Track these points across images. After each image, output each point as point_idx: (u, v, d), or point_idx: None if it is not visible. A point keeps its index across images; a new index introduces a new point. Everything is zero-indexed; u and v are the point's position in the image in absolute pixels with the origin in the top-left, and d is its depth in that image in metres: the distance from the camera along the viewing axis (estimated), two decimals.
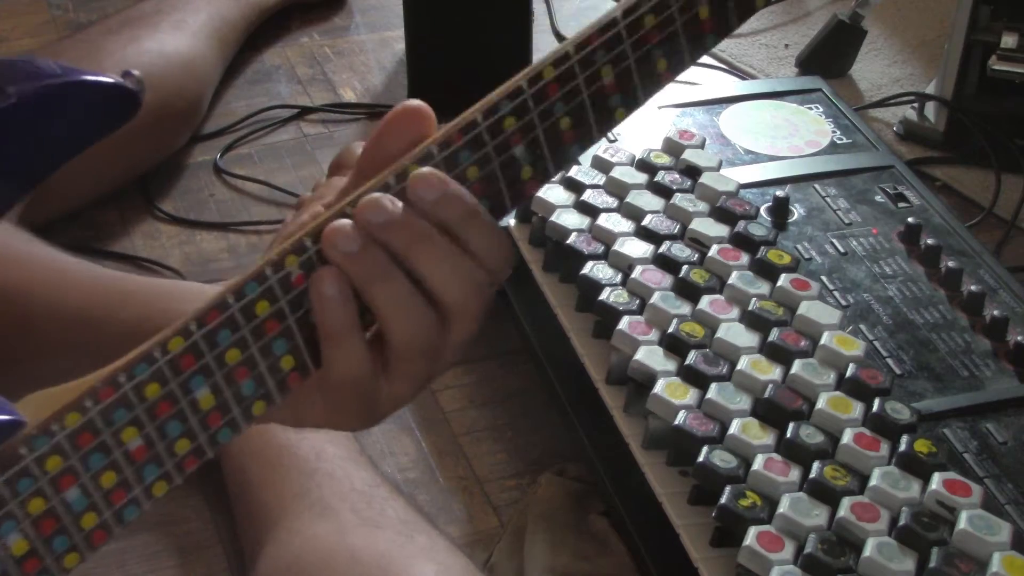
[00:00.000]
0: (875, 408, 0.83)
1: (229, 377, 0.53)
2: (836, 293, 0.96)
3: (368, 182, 0.55)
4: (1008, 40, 1.28)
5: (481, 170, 0.55)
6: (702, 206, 1.00)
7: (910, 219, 1.03)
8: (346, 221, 0.53)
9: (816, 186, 1.07)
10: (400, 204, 0.53)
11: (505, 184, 0.56)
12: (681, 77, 0.58)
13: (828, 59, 1.47)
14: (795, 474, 0.79)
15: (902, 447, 0.80)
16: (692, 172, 1.04)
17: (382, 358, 0.56)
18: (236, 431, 0.54)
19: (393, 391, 0.57)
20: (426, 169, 0.54)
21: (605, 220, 0.98)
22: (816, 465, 0.79)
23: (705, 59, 1.51)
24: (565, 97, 0.56)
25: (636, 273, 0.93)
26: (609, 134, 1.13)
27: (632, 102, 0.57)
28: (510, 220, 1.05)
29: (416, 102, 0.56)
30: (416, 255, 0.54)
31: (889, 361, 0.91)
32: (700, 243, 0.96)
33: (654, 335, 0.89)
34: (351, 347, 0.54)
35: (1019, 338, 0.91)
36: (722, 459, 0.79)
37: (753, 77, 1.48)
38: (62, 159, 0.57)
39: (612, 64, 0.56)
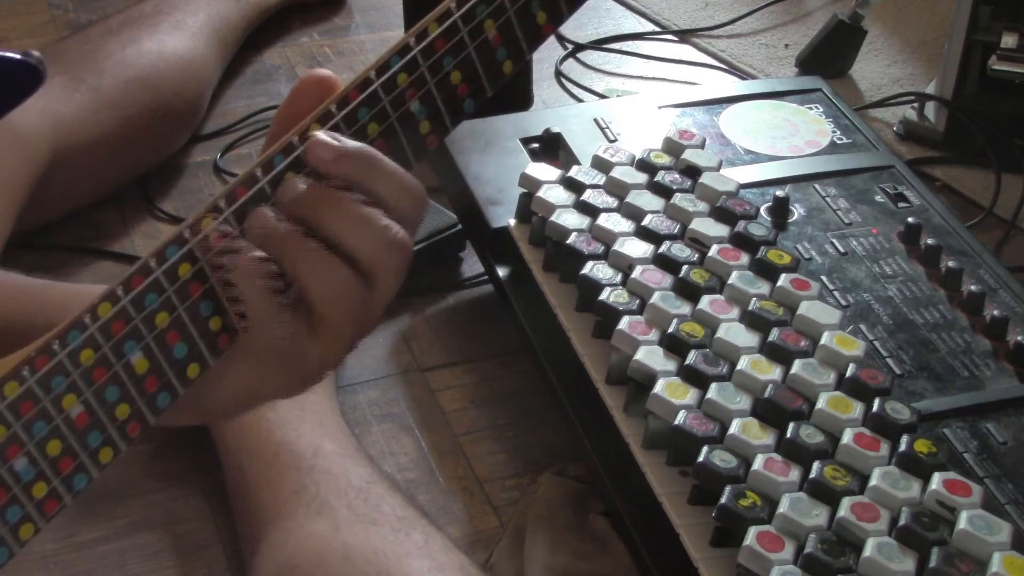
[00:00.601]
0: (875, 408, 0.83)
1: (161, 340, 0.55)
2: (836, 293, 0.96)
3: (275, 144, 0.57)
4: (1008, 40, 1.28)
5: (380, 125, 0.58)
6: (702, 206, 1.00)
7: (910, 219, 1.03)
8: (265, 207, 0.56)
9: (816, 186, 1.07)
10: (305, 184, 0.56)
11: (405, 139, 0.59)
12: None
13: (828, 59, 1.47)
14: (795, 474, 0.79)
15: (902, 447, 0.80)
16: (692, 172, 1.04)
17: (307, 321, 0.57)
18: (174, 395, 0.56)
19: (322, 353, 0.58)
20: (321, 133, 0.56)
21: (605, 220, 0.98)
22: (816, 465, 0.79)
23: (705, 59, 1.51)
24: (452, 51, 0.58)
25: (636, 273, 0.93)
26: (608, 134, 1.14)
27: (518, 54, 0.59)
28: (510, 221, 1.05)
29: (322, 71, 0.59)
30: (326, 220, 0.56)
31: (889, 361, 0.91)
32: (700, 243, 0.96)
33: (654, 335, 0.89)
34: (271, 314, 0.55)
35: (1019, 338, 0.91)
36: (722, 459, 0.79)
37: (753, 77, 1.47)
38: None
39: (493, 17, 0.58)
